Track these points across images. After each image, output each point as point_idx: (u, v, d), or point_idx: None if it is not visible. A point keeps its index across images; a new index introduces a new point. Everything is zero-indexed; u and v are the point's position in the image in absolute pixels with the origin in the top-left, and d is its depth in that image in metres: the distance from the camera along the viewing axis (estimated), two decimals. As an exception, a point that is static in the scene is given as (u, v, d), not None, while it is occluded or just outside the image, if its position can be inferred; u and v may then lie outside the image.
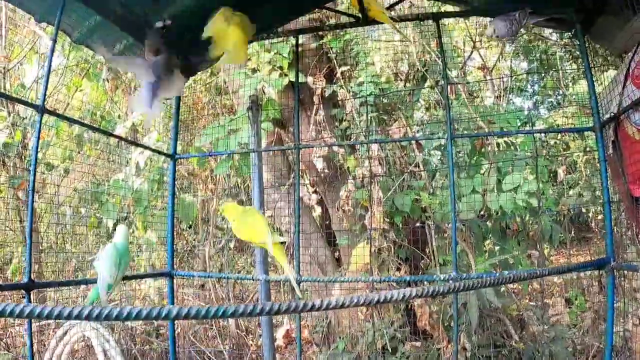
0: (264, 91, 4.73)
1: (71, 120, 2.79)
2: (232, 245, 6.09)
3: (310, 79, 4.76)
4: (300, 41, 3.05)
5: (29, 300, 1.97)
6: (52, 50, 2.09)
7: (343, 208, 4.53)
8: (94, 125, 4.31)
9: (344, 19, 3.27)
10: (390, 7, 2.96)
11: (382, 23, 2.68)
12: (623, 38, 2.25)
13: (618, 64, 2.60)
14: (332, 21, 4.40)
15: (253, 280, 4.39)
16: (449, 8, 3.57)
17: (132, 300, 5.17)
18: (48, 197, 5.15)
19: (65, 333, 2.41)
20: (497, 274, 2.68)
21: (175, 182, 2.97)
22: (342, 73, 4.85)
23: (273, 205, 5.02)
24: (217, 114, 6.02)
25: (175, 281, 2.93)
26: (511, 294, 4.55)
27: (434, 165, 5.04)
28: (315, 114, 4.80)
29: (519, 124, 4.47)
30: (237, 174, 5.67)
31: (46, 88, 2.06)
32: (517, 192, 3.84)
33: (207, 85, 6.15)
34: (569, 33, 2.62)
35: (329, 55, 4.90)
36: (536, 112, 8.31)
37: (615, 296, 2.38)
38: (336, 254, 5.17)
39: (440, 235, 4.51)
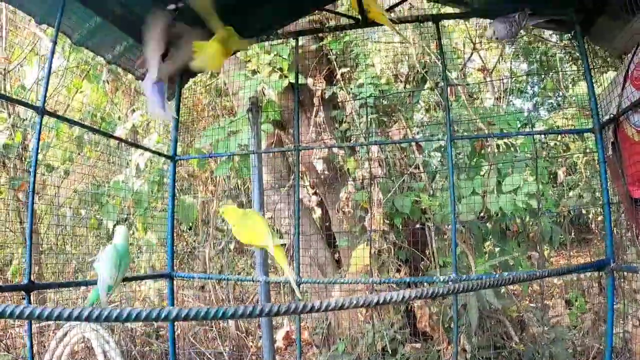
0: (264, 93, 4.73)
1: (71, 122, 2.79)
2: (232, 246, 6.09)
3: (310, 81, 4.76)
4: (300, 43, 3.06)
5: (29, 302, 1.98)
6: (53, 52, 2.10)
7: (343, 210, 4.53)
8: (94, 127, 4.33)
9: (343, 21, 3.27)
10: (390, 8, 2.96)
11: (381, 25, 2.68)
12: (622, 39, 2.26)
13: (617, 66, 2.60)
14: (332, 23, 4.40)
15: (253, 281, 4.39)
16: (449, 10, 3.58)
17: (132, 301, 5.17)
18: (48, 198, 5.16)
19: (65, 334, 2.41)
20: (497, 276, 2.68)
21: (176, 184, 2.97)
22: (342, 75, 4.85)
23: (273, 206, 5.02)
24: (217, 116, 6.03)
25: (175, 282, 2.93)
26: (511, 296, 4.55)
27: (434, 167, 5.04)
28: (315, 116, 4.80)
29: (518, 125, 4.46)
30: (237, 176, 5.68)
31: (46, 89, 2.06)
32: (517, 194, 3.84)
33: (207, 87, 6.16)
34: (569, 34, 2.63)
35: (329, 56, 4.91)
36: (536, 113, 8.32)
37: (615, 297, 2.39)
38: (336, 255, 5.17)
39: (440, 236, 4.51)
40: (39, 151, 2.42)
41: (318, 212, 5.55)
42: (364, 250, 4.18)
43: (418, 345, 4.18)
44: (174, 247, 2.93)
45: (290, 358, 5.24)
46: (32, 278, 1.93)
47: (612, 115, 2.29)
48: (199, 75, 4.12)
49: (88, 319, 0.82)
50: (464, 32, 5.90)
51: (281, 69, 4.50)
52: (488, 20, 2.65)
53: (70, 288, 4.30)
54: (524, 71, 7.87)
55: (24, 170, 4.97)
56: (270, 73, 4.49)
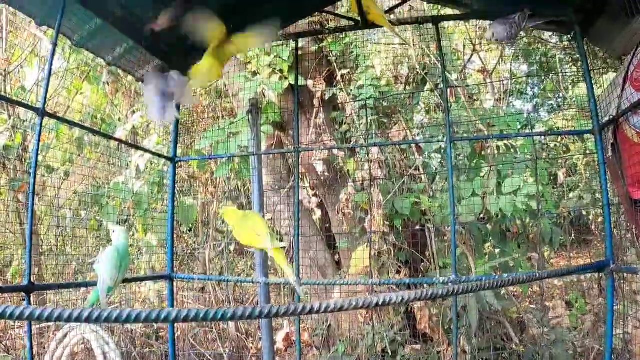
0: (264, 94, 4.74)
1: (71, 123, 2.79)
2: (232, 248, 6.09)
3: (310, 82, 4.77)
4: (300, 44, 3.06)
5: (29, 303, 1.98)
6: (53, 54, 2.10)
7: (343, 211, 4.53)
8: (94, 128, 4.33)
9: (343, 23, 3.28)
10: (390, 10, 2.96)
11: (381, 26, 2.69)
12: (622, 40, 2.26)
13: (617, 67, 2.60)
14: (332, 24, 4.41)
15: (253, 283, 4.38)
16: (449, 11, 3.58)
17: (132, 302, 5.17)
18: (48, 199, 5.16)
19: (65, 335, 2.41)
20: (497, 277, 2.68)
21: (176, 185, 2.97)
22: (342, 76, 4.85)
23: (273, 208, 5.02)
24: (217, 117, 6.03)
25: (175, 284, 2.93)
26: (511, 297, 4.54)
27: (434, 169, 5.04)
28: (315, 117, 4.81)
29: (518, 126, 4.46)
30: (237, 177, 5.68)
31: (47, 91, 2.07)
32: (517, 195, 3.84)
33: (208, 89, 6.16)
34: (569, 36, 2.63)
35: (329, 58, 4.91)
36: (536, 115, 8.31)
37: (615, 299, 2.38)
38: (336, 257, 5.17)
39: (440, 238, 4.51)
40: (39, 152, 2.43)
41: (318, 213, 5.55)
42: (364, 251, 4.18)
43: (418, 346, 4.18)
44: (174, 249, 2.93)
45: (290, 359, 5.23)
46: (32, 279, 1.93)
47: (611, 117, 2.28)
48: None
49: (88, 320, 0.82)
50: (463, 34, 5.91)
51: (281, 71, 4.51)
52: (488, 22, 2.65)
53: (70, 289, 4.29)
54: (523, 72, 7.88)
55: (24, 172, 4.98)
56: (270, 75, 4.50)
